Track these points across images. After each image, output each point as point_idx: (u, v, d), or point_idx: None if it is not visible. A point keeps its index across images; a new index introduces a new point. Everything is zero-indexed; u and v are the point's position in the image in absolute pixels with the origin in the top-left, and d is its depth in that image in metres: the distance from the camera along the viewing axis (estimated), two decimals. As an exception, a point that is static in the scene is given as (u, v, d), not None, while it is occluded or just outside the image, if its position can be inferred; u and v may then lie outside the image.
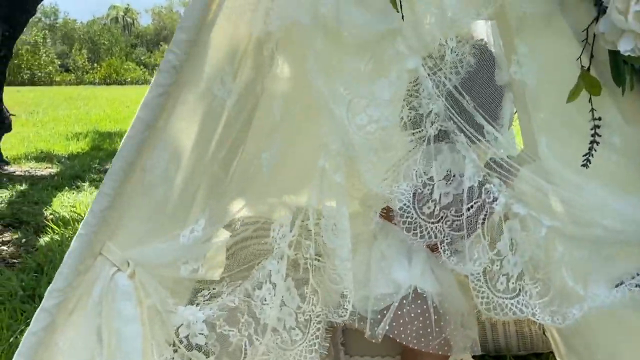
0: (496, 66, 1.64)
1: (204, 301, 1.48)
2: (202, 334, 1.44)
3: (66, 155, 8.03)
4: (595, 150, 1.43)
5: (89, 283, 1.32)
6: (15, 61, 39.31)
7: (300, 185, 1.56)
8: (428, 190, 1.57)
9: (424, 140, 1.55)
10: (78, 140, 9.71)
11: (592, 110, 1.41)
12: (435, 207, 1.58)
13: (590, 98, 1.40)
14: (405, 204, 1.56)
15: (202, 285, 1.57)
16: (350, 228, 1.67)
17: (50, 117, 13.70)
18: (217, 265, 1.93)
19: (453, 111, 1.49)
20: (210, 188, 1.51)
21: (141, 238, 1.37)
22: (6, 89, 6.95)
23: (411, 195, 1.56)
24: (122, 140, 1.33)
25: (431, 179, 1.56)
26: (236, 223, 1.71)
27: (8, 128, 6.71)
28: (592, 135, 1.43)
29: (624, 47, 1.25)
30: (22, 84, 37.77)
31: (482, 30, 1.85)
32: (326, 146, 1.51)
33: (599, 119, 1.42)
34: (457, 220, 1.58)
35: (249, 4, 1.42)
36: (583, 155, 1.43)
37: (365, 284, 1.69)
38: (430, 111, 1.51)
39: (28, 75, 40.91)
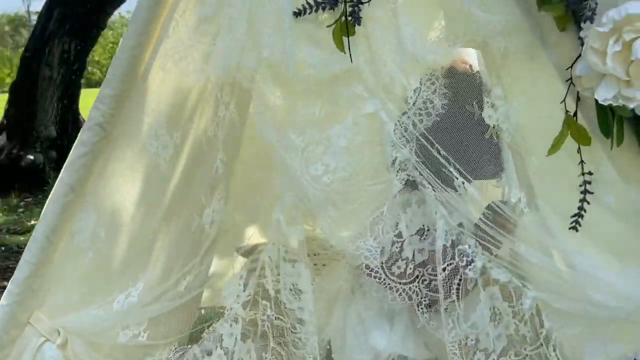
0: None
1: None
2: (145, 406, 1.35)
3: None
4: (585, 211, 1.18)
5: (17, 355, 1.26)
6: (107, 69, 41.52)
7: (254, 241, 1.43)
8: (397, 248, 1.38)
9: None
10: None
11: (582, 162, 1.17)
12: (407, 266, 1.38)
13: (579, 148, 1.16)
14: (372, 262, 1.38)
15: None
16: (324, 283, 1.54)
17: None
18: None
19: (419, 160, 1.29)
20: (160, 248, 1.41)
21: (73, 305, 1.30)
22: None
23: (379, 252, 1.37)
24: (45, 205, 1.25)
25: (399, 235, 1.37)
26: (254, 249, 1.61)
27: (83, 135, 7.04)
28: (582, 192, 1.18)
29: (603, 95, 1.00)
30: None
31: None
32: (281, 197, 1.36)
33: (590, 173, 1.17)
34: (435, 279, 1.38)
35: (185, 50, 1.29)
36: (572, 217, 1.19)
37: (342, 349, 1.52)
38: (395, 159, 1.32)
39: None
